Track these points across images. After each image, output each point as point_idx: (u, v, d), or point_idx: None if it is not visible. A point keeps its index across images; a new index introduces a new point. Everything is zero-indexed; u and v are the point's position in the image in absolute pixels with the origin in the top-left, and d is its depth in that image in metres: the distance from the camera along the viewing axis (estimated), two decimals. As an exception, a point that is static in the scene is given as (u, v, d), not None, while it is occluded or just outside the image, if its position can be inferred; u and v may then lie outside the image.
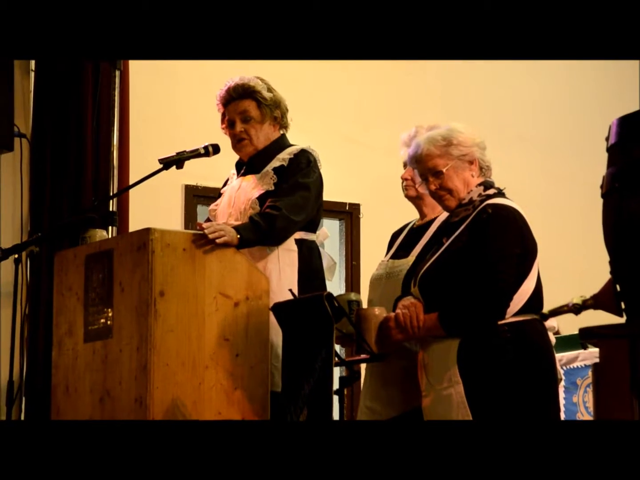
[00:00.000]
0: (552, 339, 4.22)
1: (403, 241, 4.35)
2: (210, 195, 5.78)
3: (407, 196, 4.37)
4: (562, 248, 6.99)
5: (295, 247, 4.48)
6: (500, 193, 3.87)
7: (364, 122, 6.78)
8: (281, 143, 4.62)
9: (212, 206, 4.73)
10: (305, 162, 4.52)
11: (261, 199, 4.48)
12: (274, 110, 4.59)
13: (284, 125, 4.65)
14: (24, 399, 5.45)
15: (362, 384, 4.43)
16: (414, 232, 4.33)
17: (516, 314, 3.74)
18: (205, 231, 4.19)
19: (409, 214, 4.53)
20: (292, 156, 4.54)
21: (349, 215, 6.72)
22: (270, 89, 4.60)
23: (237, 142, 4.60)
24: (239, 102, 4.58)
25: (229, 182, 4.74)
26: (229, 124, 4.62)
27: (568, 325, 5.22)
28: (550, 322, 3.98)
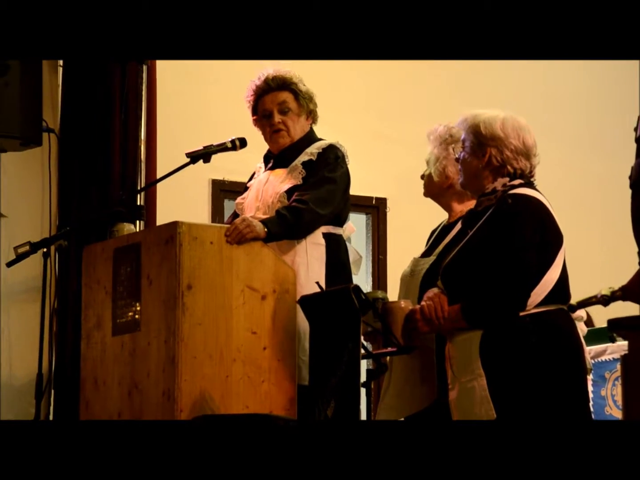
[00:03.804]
0: (583, 328, 4.20)
1: (434, 240, 4.37)
2: (237, 189, 5.79)
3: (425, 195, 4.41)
4: (590, 239, 6.96)
5: (323, 241, 4.49)
6: (527, 183, 3.85)
7: (391, 117, 6.78)
8: (310, 137, 4.63)
9: (239, 199, 4.74)
10: (333, 157, 4.53)
11: (290, 192, 4.50)
12: (309, 103, 4.61)
13: (315, 120, 4.66)
14: (52, 392, 5.47)
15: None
16: (443, 231, 4.34)
17: (540, 304, 3.71)
18: (228, 240, 4.22)
19: (435, 209, 4.53)
20: (320, 151, 4.55)
21: (375, 209, 6.72)
22: (303, 82, 4.62)
23: (274, 133, 4.60)
24: (278, 93, 4.59)
25: (255, 176, 4.75)
26: (264, 114, 4.62)
27: (597, 318, 5.21)
28: (579, 312, 3.96)
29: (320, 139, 4.63)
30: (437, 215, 4.54)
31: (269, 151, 4.71)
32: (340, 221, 4.57)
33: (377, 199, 6.71)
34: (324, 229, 4.50)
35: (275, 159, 4.65)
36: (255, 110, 4.65)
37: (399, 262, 5.04)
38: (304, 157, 4.56)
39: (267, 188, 4.58)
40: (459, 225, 4.16)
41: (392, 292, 4.50)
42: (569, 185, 7.05)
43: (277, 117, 4.59)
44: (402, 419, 4.27)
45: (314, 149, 4.56)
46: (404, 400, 4.19)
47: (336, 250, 4.52)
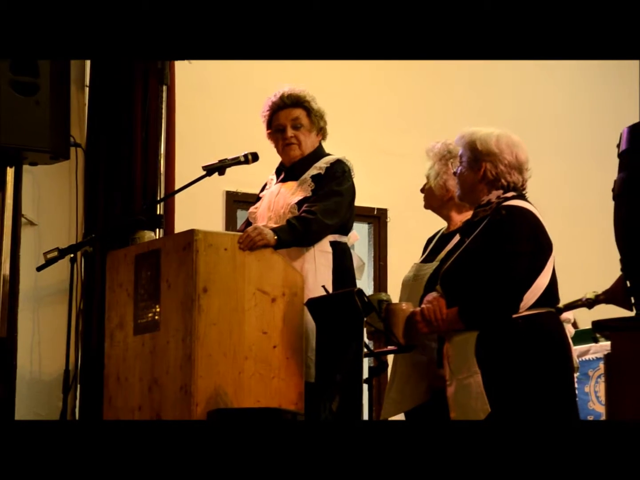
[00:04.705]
0: (571, 330, 4.20)
1: (433, 247, 4.36)
2: (249, 200, 5.79)
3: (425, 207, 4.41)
4: (577, 247, 6.94)
5: (330, 249, 4.50)
6: (519, 196, 3.85)
7: (392, 132, 6.77)
8: (319, 152, 4.64)
9: (252, 209, 4.75)
10: (340, 171, 4.54)
11: (299, 204, 4.51)
12: (319, 121, 4.62)
13: (324, 136, 4.67)
14: (79, 387, 5.47)
15: (389, 376, 4.43)
16: (443, 239, 4.34)
17: (531, 308, 3.71)
18: (241, 247, 4.22)
19: (432, 219, 4.53)
20: (328, 165, 4.56)
21: (377, 219, 6.72)
22: (316, 101, 4.63)
23: (286, 146, 4.61)
24: (291, 109, 4.60)
25: (267, 187, 4.76)
26: (278, 129, 4.64)
27: (581, 321, 5.20)
28: (566, 315, 3.96)
29: (329, 154, 4.64)
30: (434, 224, 4.54)
31: (281, 164, 4.72)
32: (346, 230, 4.57)
33: (379, 209, 6.70)
34: (330, 237, 4.51)
35: (287, 172, 4.66)
36: (269, 124, 4.66)
37: (398, 268, 5.03)
38: (313, 170, 4.57)
39: (278, 199, 4.59)
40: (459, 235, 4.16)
41: (392, 296, 4.48)
42: (559, 197, 7.01)
43: (290, 132, 4.61)
44: (404, 411, 4.26)
45: (322, 164, 4.57)
46: (406, 394, 4.19)
47: (342, 257, 4.52)
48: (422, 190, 4.37)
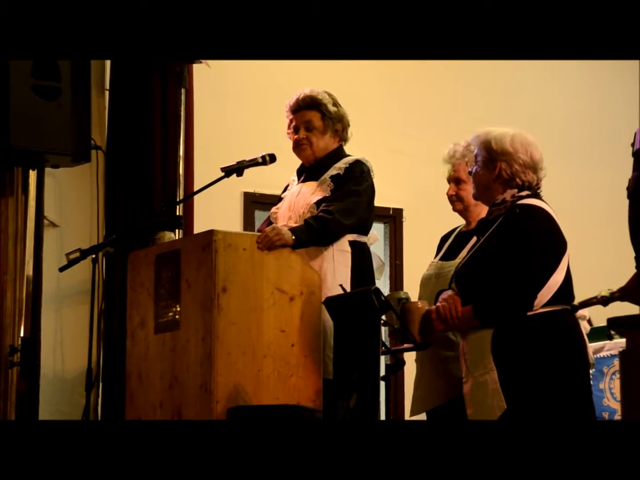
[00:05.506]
0: (587, 327, 4.19)
1: (451, 245, 4.35)
2: (267, 201, 5.80)
3: (455, 210, 4.38)
4: (591, 246, 6.91)
5: (349, 248, 4.49)
6: (534, 195, 3.84)
7: (407, 135, 6.77)
8: (339, 153, 4.64)
9: (274, 209, 4.76)
10: (358, 172, 4.55)
11: (319, 204, 4.51)
12: (335, 124, 4.63)
13: (343, 138, 4.67)
14: (101, 385, 5.49)
15: (413, 372, 4.40)
16: (461, 237, 4.32)
17: (546, 305, 3.70)
18: (259, 246, 4.22)
19: (447, 218, 4.53)
20: (347, 165, 4.57)
21: (392, 219, 6.71)
22: (335, 104, 4.64)
23: (298, 146, 4.62)
24: (306, 112, 4.62)
25: (289, 188, 4.77)
26: (294, 129, 4.66)
27: (596, 318, 5.19)
28: (582, 312, 3.94)
29: (349, 155, 4.64)
30: (449, 223, 4.54)
31: (302, 165, 4.73)
32: (366, 230, 4.57)
33: (394, 209, 6.70)
34: (350, 237, 4.50)
35: (307, 172, 4.67)
36: (290, 125, 4.68)
37: (414, 267, 5.01)
38: (332, 171, 4.58)
39: (298, 199, 4.60)
40: None
41: (410, 294, 4.46)
42: (574, 198, 7.00)
43: (302, 133, 4.62)
44: (430, 409, 4.25)
45: (341, 164, 4.58)
46: (433, 392, 4.18)
47: (361, 257, 4.51)
48: (450, 195, 4.32)
